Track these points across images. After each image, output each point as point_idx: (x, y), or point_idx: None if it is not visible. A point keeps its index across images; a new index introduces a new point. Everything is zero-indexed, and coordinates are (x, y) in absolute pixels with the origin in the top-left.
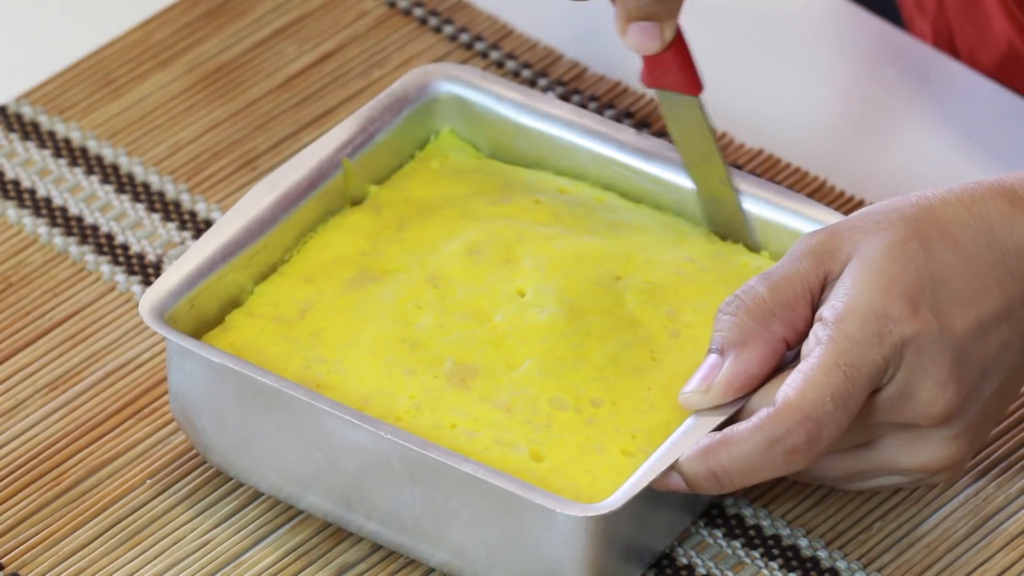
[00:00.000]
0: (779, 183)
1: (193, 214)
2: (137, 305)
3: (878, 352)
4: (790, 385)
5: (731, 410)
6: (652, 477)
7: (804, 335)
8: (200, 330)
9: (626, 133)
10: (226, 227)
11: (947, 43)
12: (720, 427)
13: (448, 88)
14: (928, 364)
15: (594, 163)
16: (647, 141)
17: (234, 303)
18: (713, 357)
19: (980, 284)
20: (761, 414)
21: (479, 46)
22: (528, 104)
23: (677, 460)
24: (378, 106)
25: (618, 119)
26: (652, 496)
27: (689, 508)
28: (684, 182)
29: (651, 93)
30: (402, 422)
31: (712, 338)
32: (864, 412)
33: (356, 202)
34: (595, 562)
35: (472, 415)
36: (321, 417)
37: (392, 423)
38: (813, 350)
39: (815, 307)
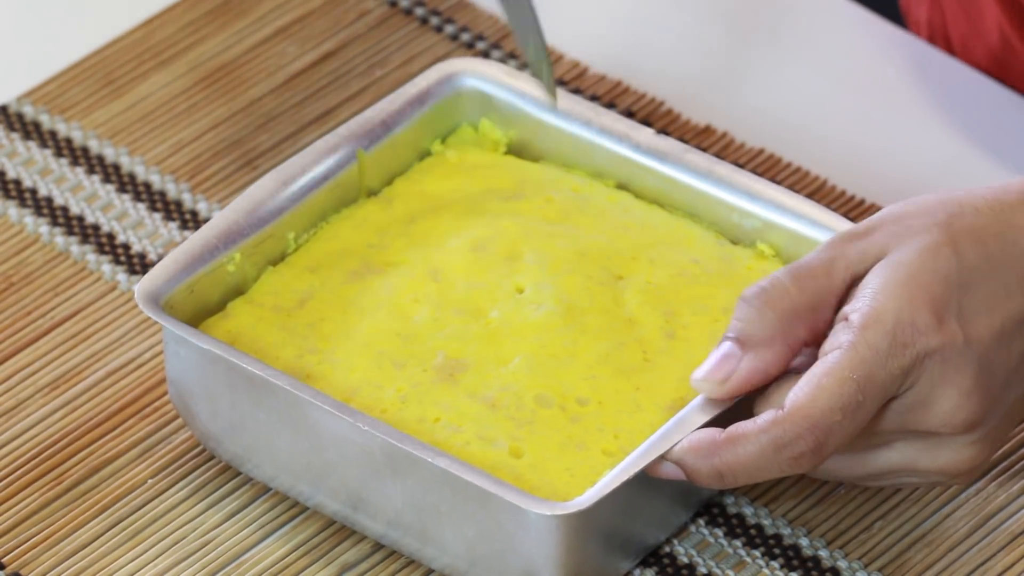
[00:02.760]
0: (779, 183)
1: (194, 213)
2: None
3: (897, 363)
4: (802, 389)
5: (719, 409)
6: (627, 477)
7: (823, 337)
8: (200, 317)
9: (643, 133)
10: (230, 215)
11: (941, 32)
12: (707, 426)
13: (472, 83)
14: (952, 375)
15: (611, 162)
16: (664, 142)
17: (238, 291)
18: (729, 345)
19: (1004, 291)
20: (768, 417)
21: (480, 45)
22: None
23: (674, 451)
24: (399, 99)
25: None
26: (635, 492)
27: (682, 502)
28: (699, 184)
29: (653, 93)
30: (387, 414)
31: (731, 325)
32: (879, 417)
33: (372, 193)
34: (568, 559)
35: (456, 410)
36: (305, 407)
37: (377, 415)
38: (831, 352)
39: (839, 309)
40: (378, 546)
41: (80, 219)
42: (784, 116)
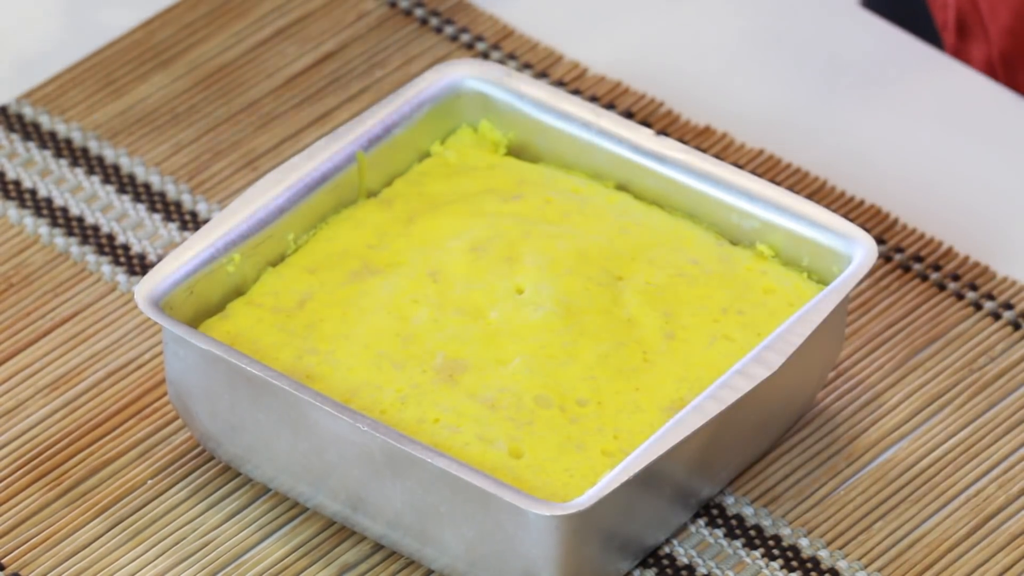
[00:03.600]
0: (779, 183)
1: (194, 214)
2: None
3: None
4: None
5: (719, 409)
6: (627, 477)
7: None
8: (200, 318)
9: (643, 135)
10: (230, 217)
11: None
12: (705, 427)
13: (471, 84)
14: None
15: (610, 163)
16: (663, 143)
17: (238, 291)
18: None
19: None
20: None
21: (480, 46)
22: (547, 103)
23: None
24: (399, 100)
25: None
26: (635, 492)
27: (682, 503)
28: (699, 185)
29: (652, 93)
30: (386, 415)
31: None
32: None
33: (372, 195)
34: (568, 559)
35: (456, 410)
36: (304, 408)
37: (377, 416)
38: None
39: None
40: (378, 547)
41: (80, 220)
42: (784, 116)
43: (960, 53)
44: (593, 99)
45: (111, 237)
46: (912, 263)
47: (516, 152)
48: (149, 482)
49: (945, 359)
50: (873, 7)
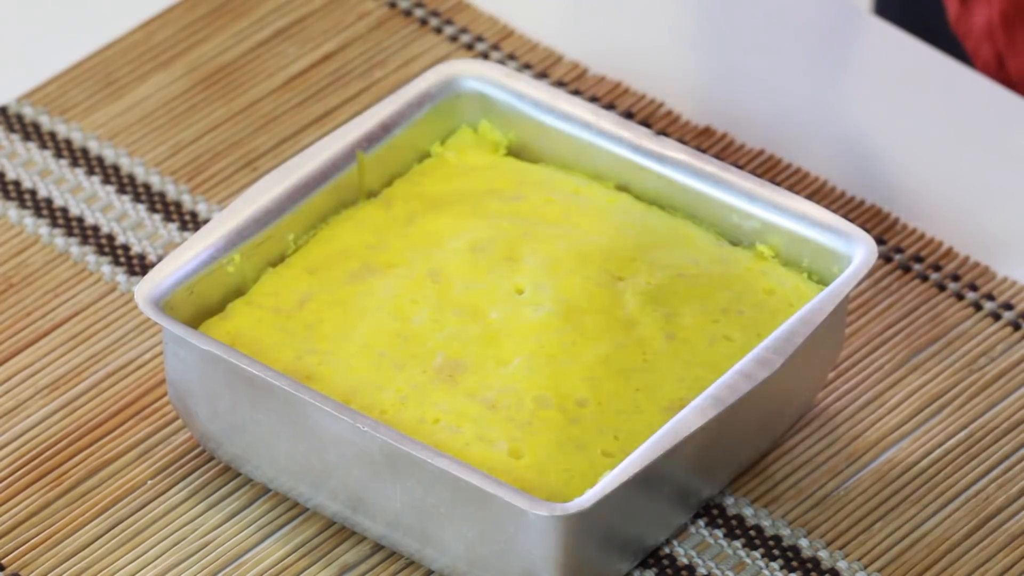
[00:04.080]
0: (779, 184)
1: (194, 215)
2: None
3: None
4: None
5: (719, 409)
6: (627, 477)
7: None
8: (200, 318)
9: (643, 135)
10: (230, 217)
11: None
12: (705, 427)
13: (471, 85)
14: None
15: (610, 163)
16: (663, 143)
17: (238, 292)
18: None
19: None
20: None
21: (480, 47)
22: (547, 103)
23: None
24: (399, 100)
25: None
26: (635, 493)
27: (682, 503)
28: (699, 186)
29: (652, 94)
30: (387, 415)
31: None
32: None
33: (372, 195)
34: (568, 560)
35: (456, 410)
36: (304, 408)
37: (376, 416)
38: None
39: None
40: (378, 547)
41: (80, 220)
42: (784, 117)
43: (962, 19)
44: (593, 99)
45: (111, 237)
46: (912, 263)
47: (516, 152)
48: (149, 482)
49: (945, 359)
50: (885, 12)
